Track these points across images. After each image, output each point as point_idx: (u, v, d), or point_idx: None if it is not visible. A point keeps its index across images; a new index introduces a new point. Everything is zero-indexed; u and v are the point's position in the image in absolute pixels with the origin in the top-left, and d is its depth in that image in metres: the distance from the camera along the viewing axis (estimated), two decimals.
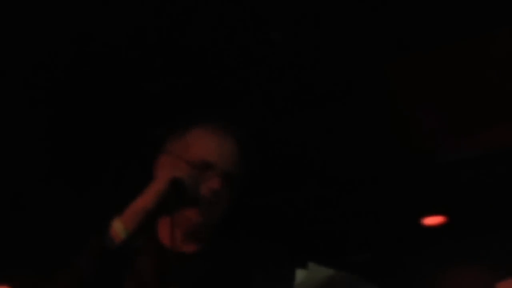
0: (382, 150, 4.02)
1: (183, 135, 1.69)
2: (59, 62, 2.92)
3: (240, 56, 3.03)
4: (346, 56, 3.15)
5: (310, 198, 4.47)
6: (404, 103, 3.57)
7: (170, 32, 2.84)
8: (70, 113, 3.26)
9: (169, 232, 1.59)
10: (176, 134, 1.70)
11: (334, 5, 2.79)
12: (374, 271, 5.44)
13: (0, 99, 3.06)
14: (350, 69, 3.25)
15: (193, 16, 2.76)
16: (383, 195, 4.60)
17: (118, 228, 1.48)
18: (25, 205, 3.76)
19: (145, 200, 1.52)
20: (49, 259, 3.14)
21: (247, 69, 3.11)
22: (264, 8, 2.77)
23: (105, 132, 3.37)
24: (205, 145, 1.65)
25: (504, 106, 3.66)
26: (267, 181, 4.10)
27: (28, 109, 3.15)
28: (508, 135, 3.93)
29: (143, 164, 1.72)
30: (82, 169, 3.61)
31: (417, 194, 4.61)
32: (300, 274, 1.34)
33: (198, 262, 1.64)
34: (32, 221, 3.84)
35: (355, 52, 3.13)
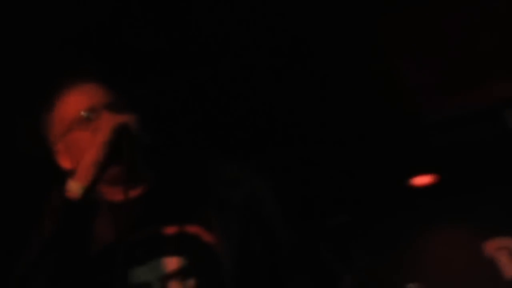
0: (370, 109, 4.00)
1: (53, 109, 1.73)
2: None
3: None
4: (336, 10, 3.10)
5: (295, 158, 4.46)
6: (392, 62, 3.54)
7: None
8: None
9: (110, 186, 1.66)
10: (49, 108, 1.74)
11: None
12: (358, 232, 5.48)
13: None
14: (339, 24, 3.19)
15: None
16: (371, 155, 4.60)
17: (74, 186, 1.53)
18: None
19: (94, 153, 1.55)
20: None
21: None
22: None
23: None
24: (71, 101, 1.69)
25: (490, 64, 3.65)
26: (250, 137, 4.07)
27: None
28: (495, 93, 3.92)
29: None
30: None
31: (405, 154, 4.61)
32: None
33: (150, 200, 1.66)
34: None
35: (345, 6, 3.08)
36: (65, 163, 1.70)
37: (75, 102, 1.68)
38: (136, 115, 1.66)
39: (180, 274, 1.52)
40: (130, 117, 1.61)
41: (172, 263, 1.54)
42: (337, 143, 4.35)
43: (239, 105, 3.72)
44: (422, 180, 4.99)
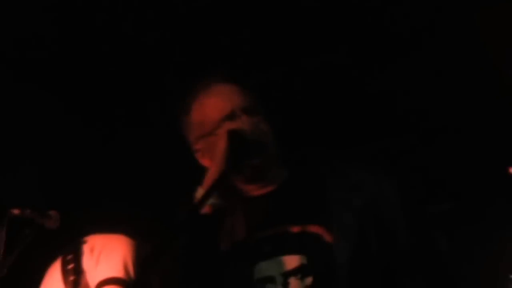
0: (471, 97, 4.09)
1: (189, 109, 1.82)
2: None
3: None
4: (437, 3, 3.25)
5: (397, 145, 4.56)
6: (493, 52, 3.64)
7: None
8: None
9: (243, 184, 1.77)
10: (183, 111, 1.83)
11: None
12: (457, 220, 5.51)
13: None
14: (441, 16, 3.33)
15: None
16: (471, 143, 4.65)
17: (200, 193, 1.62)
18: None
19: (216, 162, 1.64)
20: None
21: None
22: None
23: None
24: (210, 106, 1.77)
25: None
26: (356, 129, 4.23)
27: None
28: None
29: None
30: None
31: (505, 143, 4.62)
32: None
33: (279, 197, 1.76)
34: None
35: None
36: (205, 162, 1.80)
37: (215, 105, 1.75)
38: (263, 116, 1.75)
39: (300, 271, 1.63)
40: (248, 122, 1.70)
41: (293, 260, 1.64)
42: (439, 132, 4.45)
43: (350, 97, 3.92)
44: None
